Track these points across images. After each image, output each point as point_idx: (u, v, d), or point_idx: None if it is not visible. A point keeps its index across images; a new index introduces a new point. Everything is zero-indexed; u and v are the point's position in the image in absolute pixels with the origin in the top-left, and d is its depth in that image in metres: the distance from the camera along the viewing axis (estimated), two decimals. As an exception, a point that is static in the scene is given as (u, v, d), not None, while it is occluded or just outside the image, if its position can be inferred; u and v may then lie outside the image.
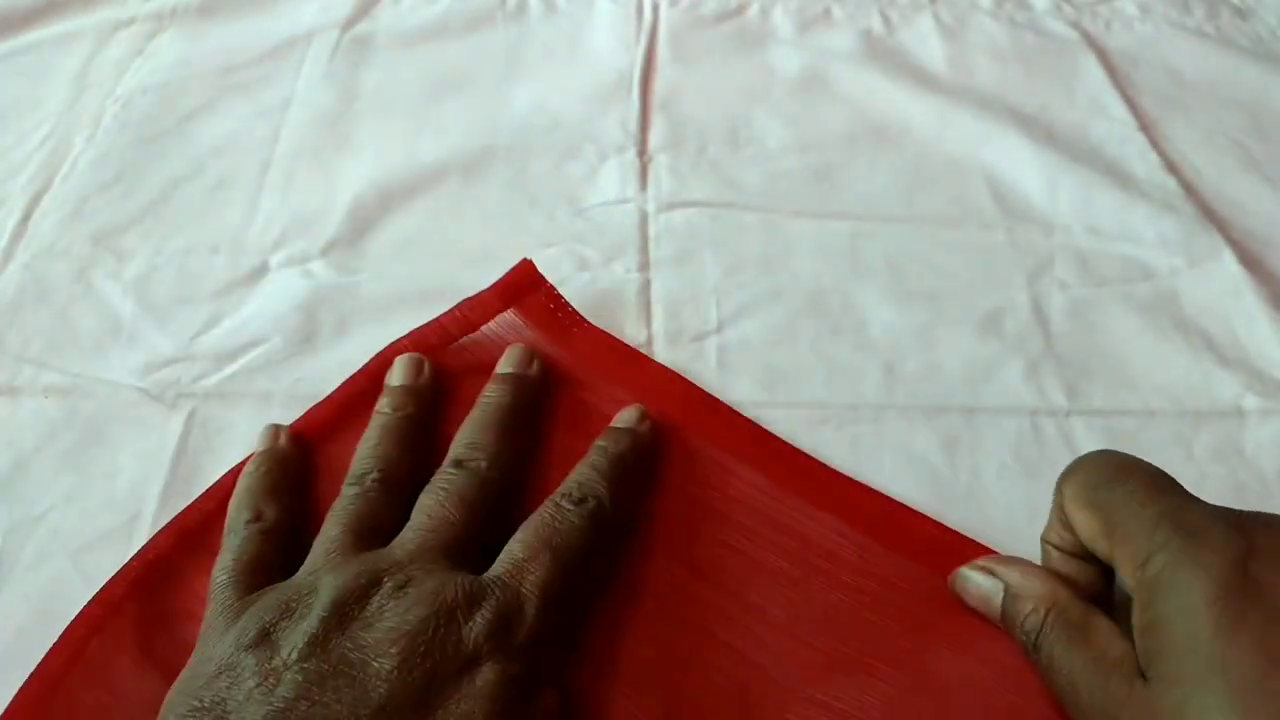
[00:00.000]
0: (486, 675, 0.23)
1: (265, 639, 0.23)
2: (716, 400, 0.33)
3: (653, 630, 0.27)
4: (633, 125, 0.45)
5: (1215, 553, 0.22)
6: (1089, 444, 0.33)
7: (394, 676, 0.22)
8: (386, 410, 0.31)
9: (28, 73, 0.49)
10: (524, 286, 0.36)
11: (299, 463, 0.31)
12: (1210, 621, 0.21)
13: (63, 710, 0.26)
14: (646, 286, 0.38)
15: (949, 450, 0.33)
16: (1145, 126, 0.46)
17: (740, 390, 0.34)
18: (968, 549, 0.29)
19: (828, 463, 0.32)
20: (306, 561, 0.26)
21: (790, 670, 0.27)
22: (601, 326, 0.36)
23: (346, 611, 0.24)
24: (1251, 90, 0.49)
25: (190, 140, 0.45)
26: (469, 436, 0.30)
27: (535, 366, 0.33)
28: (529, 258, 0.37)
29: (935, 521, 0.30)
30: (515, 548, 0.26)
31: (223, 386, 0.34)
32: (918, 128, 0.46)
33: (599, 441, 0.30)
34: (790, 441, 0.32)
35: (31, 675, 0.26)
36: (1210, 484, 0.32)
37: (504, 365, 0.33)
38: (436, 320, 0.35)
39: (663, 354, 0.36)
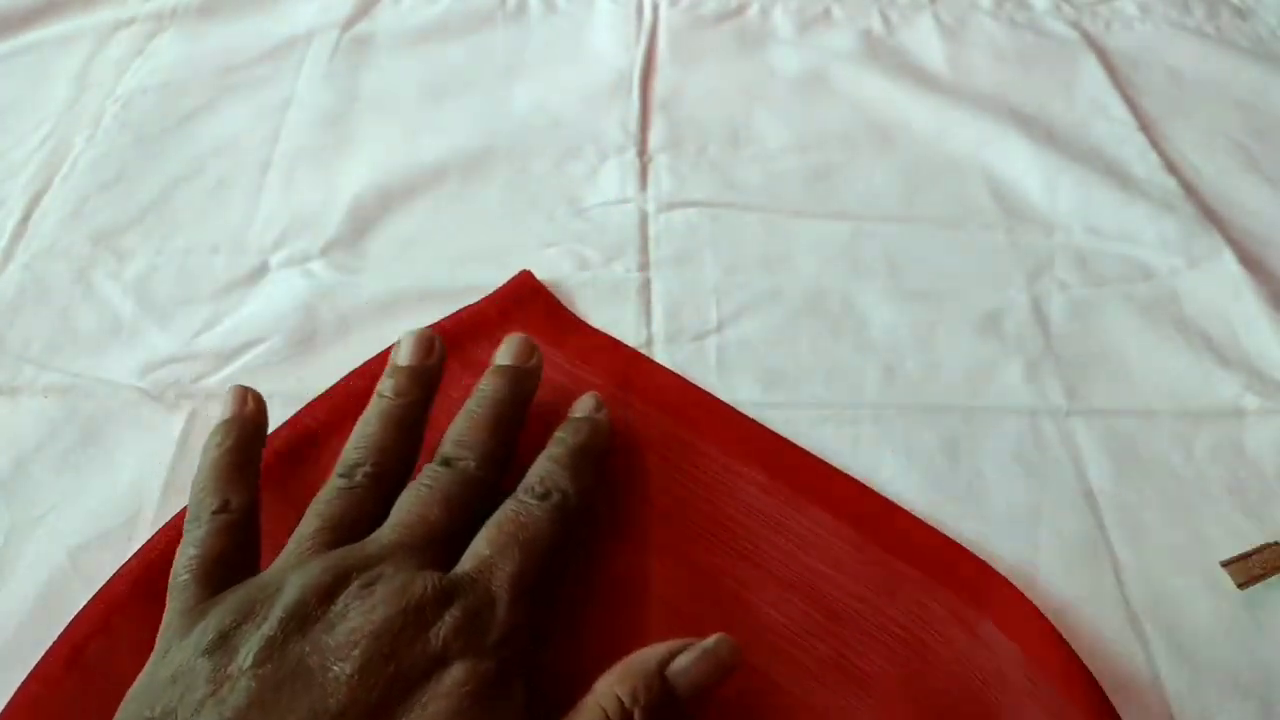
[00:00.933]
0: (455, 675, 0.22)
1: (224, 643, 0.22)
2: (717, 400, 0.33)
3: (653, 631, 0.27)
4: (633, 125, 0.45)
5: None
6: (1089, 444, 0.33)
7: (354, 681, 0.21)
8: (388, 394, 0.29)
9: (28, 73, 0.49)
10: (523, 295, 0.36)
11: (265, 433, 0.29)
12: None
13: (62, 710, 0.26)
14: (646, 286, 0.38)
15: (949, 450, 0.33)
16: (1145, 126, 0.46)
17: (740, 390, 0.34)
18: (963, 557, 0.29)
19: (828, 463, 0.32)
20: (279, 558, 0.25)
21: (789, 674, 0.27)
22: (601, 326, 0.36)
23: (308, 613, 0.23)
24: (1251, 90, 0.50)
25: (190, 140, 0.45)
26: (459, 433, 0.28)
27: (535, 358, 0.31)
28: (528, 269, 0.37)
29: (932, 528, 0.30)
30: (481, 545, 0.25)
31: (223, 386, 0.34)
32: (918, 128, 0.46)
33: (558, 433, 0.29)
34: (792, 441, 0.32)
35: (30, 675, 0.26)
36: (1210, 484, 0.32)
37: (502, 356, 0.31)
38: (435, 325, 0.35)
39: (662, 354, 0.36)
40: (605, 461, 0.30)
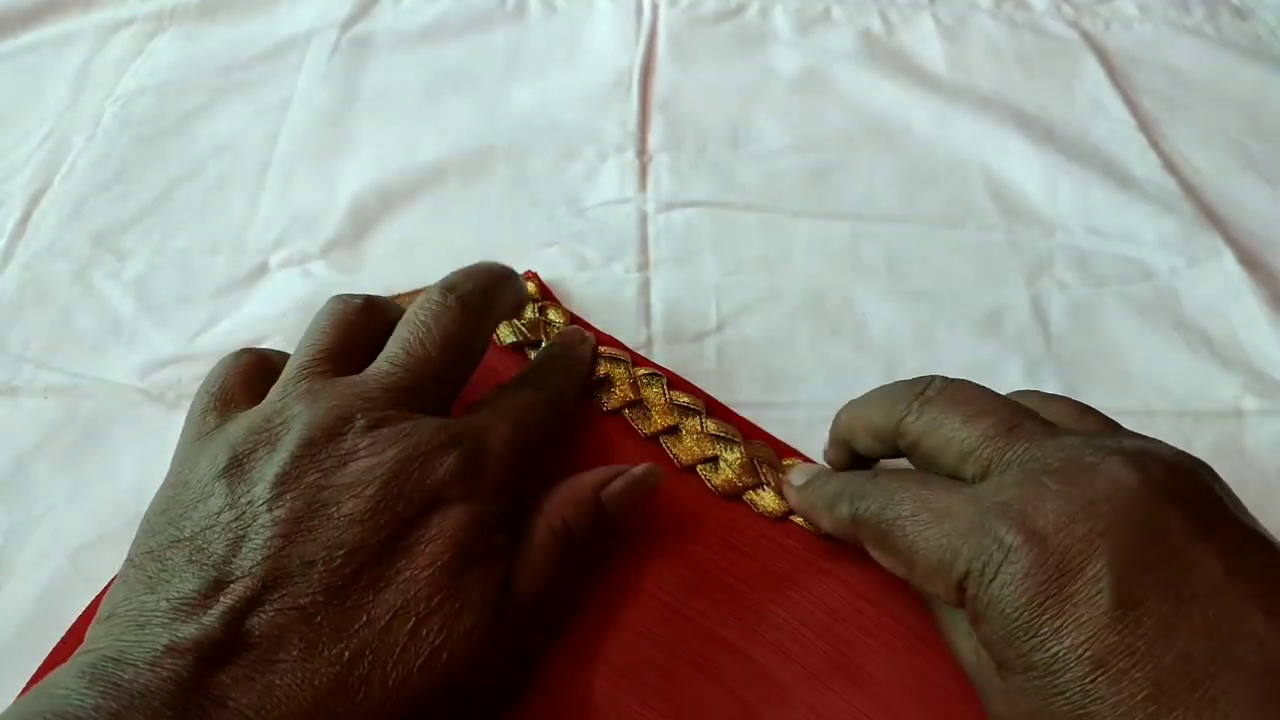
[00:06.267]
0: (455, 516, 0.23)
1: (238, 468, 0.23)
2: (716, 401, 0.33)
3: (654, 628, 0.27)
4: (632, 125, 0.46)
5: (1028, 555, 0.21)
6: (1089, 444, 0.33)
7: (365, 519, 0.22)
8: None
9: (28, 73, 0.49)
10: None
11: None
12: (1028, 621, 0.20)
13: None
14: (646, 286, 0.38)
15: (949, 450, 0.33)
16: (1145, 126, 0.47)
17: (740, 390, 0.34)
18: None
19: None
20: (278, 382, 0.26)
21: (790, 673, 0.27)
22: (601, 326, 0.36)
23: (317, 449, 0.23)
24: (1251, 90, 0.50)
25: (190, 140, 0.45)
26: (460, 275, 0.29)
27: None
28: (532, 270, 0.37)
29: None
30: (481, 406, 0.28)
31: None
32: (918, 128, 0.46)
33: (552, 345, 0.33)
34: (789, 442, 0.32)
35: (35, 676, 0.26)
36: (1210, 484, 0.32)
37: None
38: None
39: (662, 354, 0.36)
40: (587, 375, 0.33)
